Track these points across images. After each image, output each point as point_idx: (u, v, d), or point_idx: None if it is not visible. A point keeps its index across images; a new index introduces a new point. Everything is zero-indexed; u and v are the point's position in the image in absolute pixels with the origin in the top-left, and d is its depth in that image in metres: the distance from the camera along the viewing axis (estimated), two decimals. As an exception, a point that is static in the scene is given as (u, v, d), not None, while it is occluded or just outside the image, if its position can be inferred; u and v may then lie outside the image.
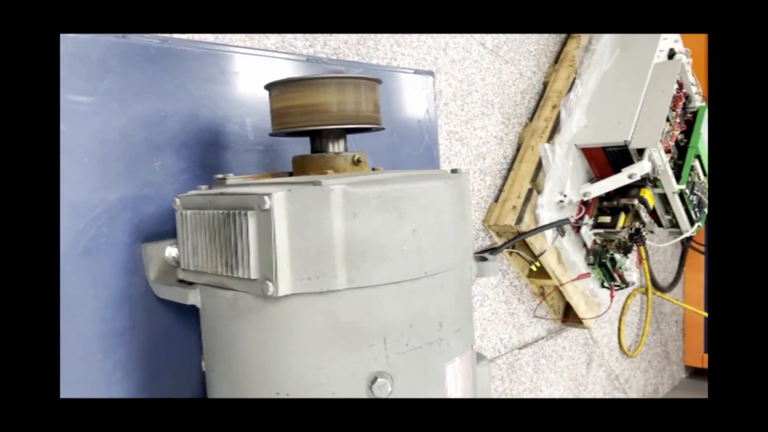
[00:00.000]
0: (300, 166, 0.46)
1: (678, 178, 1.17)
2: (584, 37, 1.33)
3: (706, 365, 2.08)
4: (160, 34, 0.51)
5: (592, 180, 1.23)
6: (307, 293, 0.37)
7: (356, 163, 0.45)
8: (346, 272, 0.37)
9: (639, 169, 1.08)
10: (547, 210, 1.11)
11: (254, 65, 0.58)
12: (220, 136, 0.53)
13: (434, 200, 0.41)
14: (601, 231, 1.17)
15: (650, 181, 1.15)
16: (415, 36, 0.97)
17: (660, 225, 1.28)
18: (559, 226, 1.11)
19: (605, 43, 1.31)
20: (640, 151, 1.10)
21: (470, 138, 1.10)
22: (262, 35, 0.73)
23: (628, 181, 1.10)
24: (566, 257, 1.19)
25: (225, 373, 0.41)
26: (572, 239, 1.19)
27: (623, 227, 1.16)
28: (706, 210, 1.25)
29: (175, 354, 0.50)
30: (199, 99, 0.51)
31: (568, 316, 1.36)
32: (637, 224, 1.17)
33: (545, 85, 1.30)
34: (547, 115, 1.23)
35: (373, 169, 0.48)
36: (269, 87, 0.45)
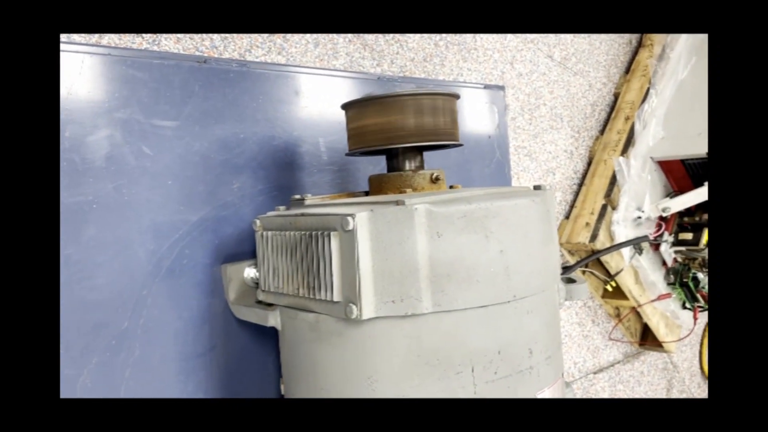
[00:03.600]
0: (377, 186, 0.45)
1: None
2: (657, 46, 1.27)
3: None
4: (237, 59, 0.52)
5: (671, 195, 1.17)
6: (390, 317, 0.35)
7: (435, 181, 0.44)
8: (431, 295, 0.35)
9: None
10: (623, 226, 1.06)
11: (326, 86, 0.58)
12: (295, 157, 0.53)
13: (521, 219, 0.39)
14: (682, 248, 1.10)
15: (737, 194, 1.08)
16: (481, 51, 0.95)
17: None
18: (636, 243, 1.05)
19: (680, 51, 1.25)
20: (725, 163, 1.03)
21: (539, 153, 1.07)
22: (331, 54, 0.74)
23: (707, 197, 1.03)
24: (644, 277, 1.12)
25: (305, 397, 0.40)
26: (651, 258, 1.13)
27: (707, 244, 1.09)
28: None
29: (253, 376, 0.49)
30: (275, 120, 0.52)
31: (646, 338, 1.28)
32: (723, 241, 1.09)
33: (616, 96, 1.25)
34: (620, 127, 1.18)
35: (451, 187, 0.47)
36: (346, 107, 0.45)
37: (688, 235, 1.11)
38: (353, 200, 0.43)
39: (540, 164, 1.07)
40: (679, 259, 1.13)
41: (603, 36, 1.22)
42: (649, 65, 1.24)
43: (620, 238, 1.05)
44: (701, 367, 1.57)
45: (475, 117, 0.74)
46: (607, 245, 1.05)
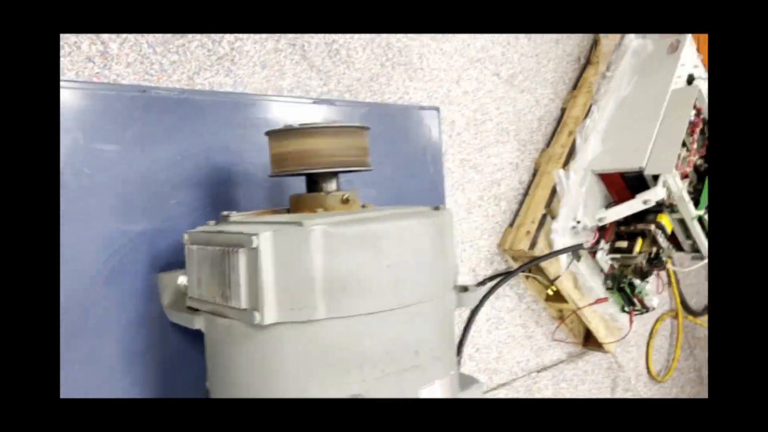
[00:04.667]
0: (295, 205, 0.51)
1: (696, 204, 1.17)
2: (603, 64, 1.35)
3: (745, 393, 2.01)
4: (177, 87, 0.58)
5: (610, 204, 1.24)
6: (291, 322, 0.41)
7: (345, 202, 0.50)
8: (325, 304, 0.41)
9: (653, 195, 1.09)
10: (561, 235, 1.13)
11: (262, 110, 0.64)
12: (231, 175, 0.59)
13: (410, 238, 0.45)
14: (617, 256, 1.18)
15: (667, 206, 1.15)
16: (427, 71, 1.01)
17: (681, 249, 1.27)
18: (572, 251, 1.12)
19: (623, 69, 1.33)
20: (656, 177, 1.11)
21: (484, 165, 1.14)
22: (277, 75, 0.80)
23: (643, 207, 1.11)
24: (583, 282, 1.20)
25: (222, 394, 0.46)
26: (589, 264, 1.20)
27: (640, 252, 1.16)
28: (728, 235, 1.24)
29: (186, 374, 0.55)
30: (212, 142, 0.57)
31: (589, 340, 1.36)
32: (654, 249, 1.17)
33: (564, 111, 1.33)
34: (564, 141, 1.25)
35: (363, 206, 0.53)
36: (269, 134, 0.50)
37: (624, 244, 1.18)
38: (268, 219, 0.48)
39: (485, 176, 1.14)
40: (616, 266, 1.21)
41: (551, 54, 1.29)
42: (593, 83, 1.32)
43: (558, 246, 1.12)
44: (648, 368, 1.66)
45: (411, 136, 0.80)
46: (546, 252, 1.13)
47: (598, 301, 1.22)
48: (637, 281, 1.23)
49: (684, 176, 1.17)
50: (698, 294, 1.94)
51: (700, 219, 1.17)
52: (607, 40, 1.38)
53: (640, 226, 1.17)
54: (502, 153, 1.18)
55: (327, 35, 0.85)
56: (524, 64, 1.23)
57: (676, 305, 1.78)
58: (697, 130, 1.18)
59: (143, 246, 0.53)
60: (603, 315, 1.26)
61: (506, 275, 1.13)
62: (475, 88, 1.12)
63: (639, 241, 1.17)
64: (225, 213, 0.51)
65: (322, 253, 0.41)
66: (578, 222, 1.16)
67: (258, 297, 0.41)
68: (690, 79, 1.28)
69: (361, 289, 0.42)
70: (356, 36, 0.89)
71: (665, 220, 1.16)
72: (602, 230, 1.21)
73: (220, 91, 0.64)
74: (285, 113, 0.65)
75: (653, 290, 1.27)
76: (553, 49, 1.30)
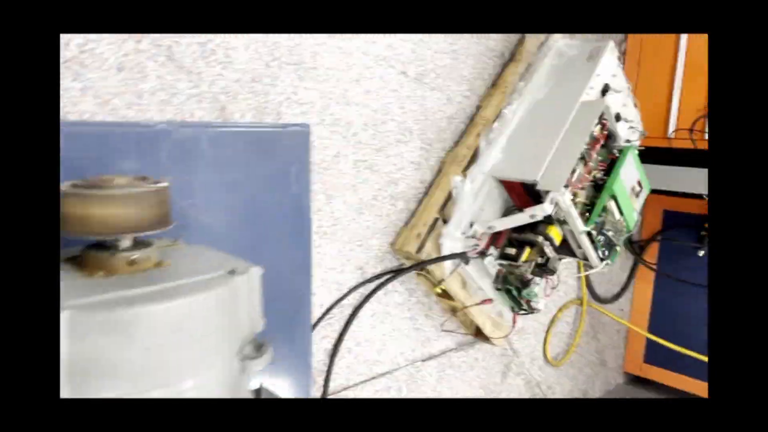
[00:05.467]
0: (83, 259, 0.51)
1: (587, 219, 1.20)
2: (523, 63, 1.33)
3: (644, 374, 2.15)
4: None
5: (511, 209, 1.27)
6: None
7: (131, 264, 0.50)
8: (69, 386, 0.43)
9: (540, 211, 1.11)
10: (449, 240, 1.15)
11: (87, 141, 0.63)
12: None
13: (179, 317, 0.46)
14: (504, 262, 1.22)
15: (557, 220, 1.18)
16: (322, 70, 0.99)
17: (574, 256, 1.32)
18: (456, 258, 1.15)
19: (543, 71, 1.31)
20: (548, 191, 1.13)
21: (383, 165, 1.14)
22: (138, 78, 0.77)
23: (530, 221, 1.14)
24: (471, 283, 1.24)
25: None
26: (479, 266, 1.24)
27: (525, 261, 1.20)
28: (618, 248, 1.28)
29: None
30: None
31: (480, 332, 1.42)
32: (539, 259, 1.21)
33: (479, 109, 1.32)
34: (470, 142, 1.25)
35: (159, 263, 0.53)
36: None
37: (513, 251, 1.22)
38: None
39: (382, 176, 1.14)
40: (504, 271, 1.25)
41: (471, 50, 1.26)
42: (510, 83, 1.30)
43: (445, 250, 1.15)
44: (544, 353, 1.75)
45: (275, 154, 0.80)
46: (433, 256, 1.15)
47: (484, 301, 1.27)
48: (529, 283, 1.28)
49: (582, 188, 1.19)
50: (610, 282, 2.02)
51: (589, 233, 1.20)
52: (533, 38, 1.35)
53: (530, 236, 1.21)
54: (403, 152, 1.17)
55: (201, 34, 0.82)
56: (438, 61, 1.21)
57: (582, 294, 1.86)
58: (597, 146, 1.20)
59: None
60: (490, 313, 1.32)
61: (397, 272, 1.16)
62: (379, 87, 1.10)
63: (527, 251, 1.21)
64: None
65: (68, 336, 0.42)
66: (471, 227, 1.18)
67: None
68: (605, 90, 1.28)
69: (109, 373, 0.43)
70: (237, 34, 0.86)
71: (554, 232, 1.19)
72: (496, 235, 1.24)
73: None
74: (118, 143, 0.63)
75: (541, 293, 1.33)
76: (473, 45, 1.27)
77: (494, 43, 1.33)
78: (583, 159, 1.18)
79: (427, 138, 1.22)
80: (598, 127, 1.20)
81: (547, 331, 1.74)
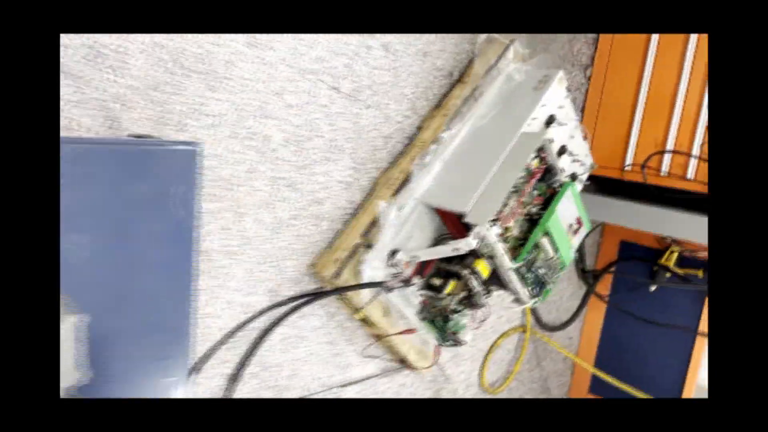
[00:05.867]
0: None
1: (517, 254, 1.15)
2: (470, 86, 1.28)
3: (588, 403, 2.12)
4: None
5: (444, 236, 1.22)
6: None
7: None
8: None
9: (464, 245, 1.06)
10: (370, 267, 1.10)
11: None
12: None
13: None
14: (427, 293, 1.17)
15: (482, 255, 1.14)
16: (237, 80, 0.93)
17: (507, 288, 1.27)
18: (373, 287, 1.10)
19: (489, 96, 1.26)
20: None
21: (305, 183, 1.08)
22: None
23: (453, 254, 1.09)
24: (395, 311, 1.19)
25: None
26: (404, 294, 1.19)
27: (449, 294, 1.15)
28: (550, 287, 1.24)
29: None
30: None
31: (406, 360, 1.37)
32: (463, 293, 1.16)
33: (420, 130, 1.27)
34: (405, 165, 1.20)
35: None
36: None
37: (438, 281, 1.17)
38: None
39: (304, 195, 1.08)
40: (428, 301, 1.20)
41: (415, 68, 1.21)
42: (453, 105, 1.25)
43: (365, 277, 1.10)
44: (480, 380, 1.71)
45: (155, 176, 0.74)
46: (351, 283, 1.10)
47: (406, 331, 1.22)
48: (452, 316, 1.23)
49: (513, 223, 1.15)
50: (559, 310, 1.99)
51: (518, 270, 1.16)
52: (482, 60, 1.30)
53: (457, 268, 1.16)
54: (331, 171, 1.12)
55: (87, 35, 0.75)
56: (376, 77, 1.15)
57: (527, 321, 1.82)
58: (533, 180, 1.15)
59: None
60: (414, 342, 1.27)
61: (315, 296, 1.11)
62: (305, 102, 1.04)
63: (451, 283, 1.16)
64: None
65: None
66: (394, 255, 1.13)
67: None
68: (549, 121, 1.23)
69: None
70: (131, 37, 0.80)
71: (482, 266, 1.14)
72: (425, 264, 1.19)
73: None
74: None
75: (469, 325, 1.28)
76: (417, 62, 1.22)
77: (442, 62, 1.28)
78: (518, 192, 1.13)
79: (359, 157, 1.16)
80: (536, 160, 1.16)
81: (486, 358, 1.70)
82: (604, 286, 2.11)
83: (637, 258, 2.02)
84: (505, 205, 1.11)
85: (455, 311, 1.17)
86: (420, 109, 1.26)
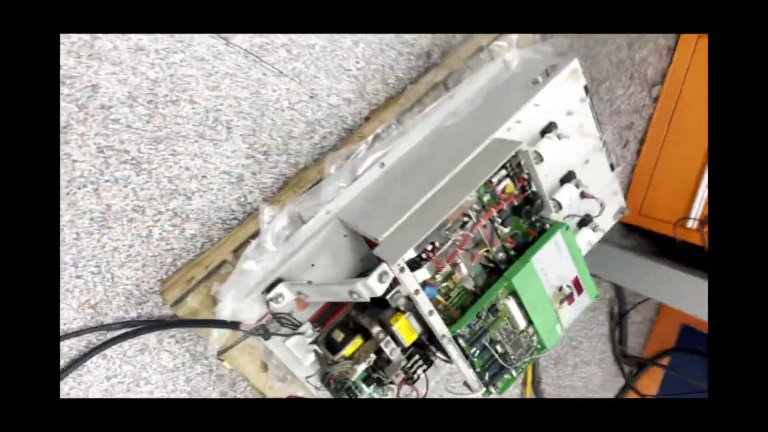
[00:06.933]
0: None
1: (454, 319, 0.76)
2: (442, 71, 0.91)
3: None
4: None
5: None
6: None
7: None
8: None
9: (363, 289, 0.69)
10: (230, 297, 0.76)
11: None
12: None
13: None
14: (320, 351, 0.80)
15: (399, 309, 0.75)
16: None
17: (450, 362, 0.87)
18: (225, 328, 0.76)
19: (472, 87, 0.89)
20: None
21: (160, 165, 0.77)
22: None
23: (348, 299, 0.72)
24: (281, 367, 0.83)
25: None
26: (302, 346, 0.83)
27: (348, 357, 0.78)
28: (514, 374, 0.83)
29: None
30: None
31: None
32: (370, 361, 0.78)
33: (367, 121, 0.92)
34: (326, 165, 0.85)
35: None
36: None
37: (341, 336, 0.80)
38: None
39: (158, 181, 0.77)
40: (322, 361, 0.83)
41: (371, 39, 0.88)
42: (415, 94, 0.89)
43: (221, 312, 0.76)
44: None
45: None
46: (201, 316, 0.76)
47: (294, 398, 0.86)
48: (364, 387, 0.85)
49: (469, 267, 0.76)
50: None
51: (458, 341, 0.76)
52: (472, 41, 0.93)
53: (366, 321, 0.79)
54: (209, 155, 0.80)
55: None
56: (299, 37, 0.83)
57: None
58: (494, 210, 0.76)
59: None
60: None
61: (140, 329, 0.79)
62: (168, 46, 0.74)
63: (354, 342, 0.79)
64: None
65: None
66: (275, 285, 0.78)
67: None
68: (546, 130, 0.84)
69: None
70: None
71: (403, 325, 0.76)
72: (334, 309, 0.83)
73: None
74: None
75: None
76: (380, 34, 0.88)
77: (417, 39, 0.93)
78: (467, 224, 0.75)
79: (260, 143, 0.84)
80: (508, 181, 0.76)
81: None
82: (651, 381, 1.61)
83: (700, 353, 1.50)
84: (446, 239, 0.73)
85: (356, 386, 0.79)
86: (371, 93, 0.92)
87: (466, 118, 0.85)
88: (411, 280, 0.70)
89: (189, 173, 0.79)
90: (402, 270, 0.68)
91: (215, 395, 0.90)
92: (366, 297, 0.71)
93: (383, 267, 0.68)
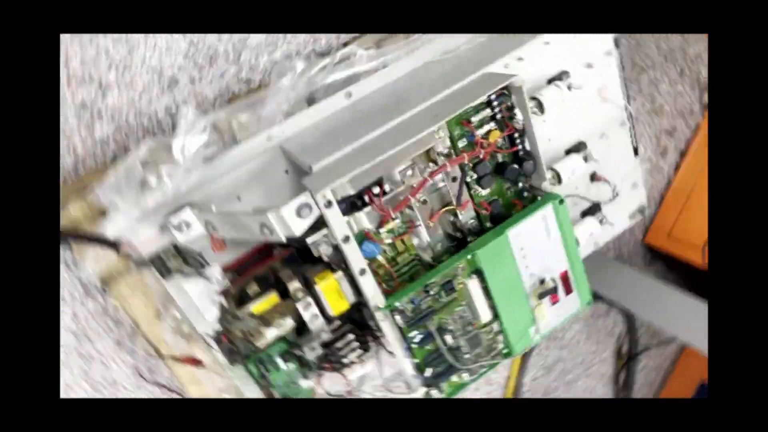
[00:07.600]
0: None
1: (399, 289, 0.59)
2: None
3: None
4: None
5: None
6: None
7: None
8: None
9: (277, 223, 0.52)
10: (120, 214, 0.60)
11: None
12: None
13: None
14: (225, 302, 0.64)
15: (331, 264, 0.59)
16: None
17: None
18: (101, 245, 0.60)
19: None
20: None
21: (72, 38, 0.63)
22: None
23: (259, 236, 0.56)
24: (180, 314, 0.67)
25: None
26: (204, 292, 0.67)
27: (255, 315, 0.62)
28: (465, 378, 0.64)
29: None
30: None
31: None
32: (285, 327, 0.61)
33: (345, 46, 0.76)
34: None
35: None
36: None
37: (256, 288, 0.63)
38: None
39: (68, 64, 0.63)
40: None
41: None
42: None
43: (108, 226, 0.60)
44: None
45: None
46: (83, 229, 0.61)
47: (190, 361, 0.69)
48: (282, 363, 0.68)
49: (398, 216, 0.59)
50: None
51: (393, 315, 0.59)
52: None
53: (287, 275, 0.62)
54: (137, 42, 0.66)
55: None
56: None
57: None
58: (467, 156, 0.58)
59: None
60: (215, 379, 0.73)
61: None
62: None
63: (269, 299, 0.62)
64: None
65: None
66: (183, 209, 0.62)
67: None
68: (554, 79, 0.66)
69: None
70: None
71: (329, 284, 0.59)
72: (262, 257, 0.67)
73: None
74: None
75: (319, 393, 0.72)
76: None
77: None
78: (427, 168, 0.58)
79: (205, 44, 0.69)
80: (493, 126, 0.59)
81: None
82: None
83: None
84: (398, 185, 0.57)
85: (269, 358, 0.63)
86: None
87: (460, 55, 0.69)
88: (340, 222, 0.53)
89: (107, 60, 0.65)
90: (329, 205, 0.52)
91: (110, 342, 0.75)
92: (280, 235, 0.54)
93: (304, 197, 0.52)
